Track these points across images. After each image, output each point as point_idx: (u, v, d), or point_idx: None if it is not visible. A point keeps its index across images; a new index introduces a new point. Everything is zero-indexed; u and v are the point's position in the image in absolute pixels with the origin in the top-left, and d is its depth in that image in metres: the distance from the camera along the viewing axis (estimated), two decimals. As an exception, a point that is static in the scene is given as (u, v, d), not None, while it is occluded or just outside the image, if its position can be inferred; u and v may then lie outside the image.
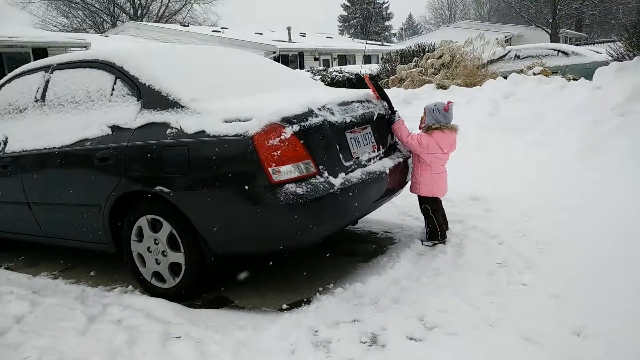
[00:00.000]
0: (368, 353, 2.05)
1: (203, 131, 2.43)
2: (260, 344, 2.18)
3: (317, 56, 23.27)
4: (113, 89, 2.87)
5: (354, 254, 3.22)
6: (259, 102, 2.58)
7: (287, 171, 2.36)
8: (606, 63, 6.84)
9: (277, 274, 3.01)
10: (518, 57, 10.91)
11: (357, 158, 2.76)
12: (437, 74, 8.54)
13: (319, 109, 2.57)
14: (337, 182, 2.51)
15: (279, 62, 21.34)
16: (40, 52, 14.17)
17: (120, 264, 3.11)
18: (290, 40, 24.10)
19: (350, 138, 2.74)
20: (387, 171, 2.86)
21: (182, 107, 2.58)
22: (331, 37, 31.88)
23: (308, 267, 3.06)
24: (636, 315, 2.12)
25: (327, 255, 3.24)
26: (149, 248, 2.76)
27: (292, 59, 22.77)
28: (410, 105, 7.03)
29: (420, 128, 3.20)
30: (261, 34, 25.74)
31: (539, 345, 1.95)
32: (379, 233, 3.59)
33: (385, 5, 48.20)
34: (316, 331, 2.25)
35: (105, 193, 2.76)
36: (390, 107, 3.22)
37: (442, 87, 8.03)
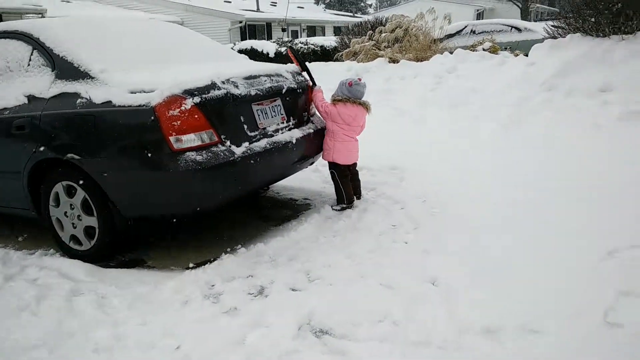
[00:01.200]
0: (251, 302, 2.30)
1: (110, 101, 2.58)
2: (157, 297, 2.40)
3: (284, 27, 22.96)
4: (30, 60, 2.97)
5: (270, 219, 3.45)
6: (165, 74, 2.72)
7: (189, 140, 2.54)
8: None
9: (191, 237, 3.23)
10: (474, 32, 11.13)
11: (264, 129, 2.95)
12: (390, 47, 8.71)
13: (223, 82, 2.73)
14: (239, 150, 2.71)
15: (245, 32, 21.12)
16: (-5, 17, 13.69)
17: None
18: (258, 9, 23.69)
19: (257, 110, 2.93)
20: (294, 141, 3.07)
21: (92, 77, 2.70)
22: (302, 8, 31.37)
23: (222, 230, 3.28)
24: (477, 273, 2.42)
25: (245, 220, 3.47)
26: (65, 213, 2.92)
27: (259, 30, 22.43)
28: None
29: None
30: (230, 2, 25.17)
31: (393, 291, 2.24)
32: (299, 200, 3.83)
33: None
34: (212, 285, 2.49)
35: (23, 160, 2.89)
36: (311, 77, 3.48)
37: (393, 61, 8.20)
